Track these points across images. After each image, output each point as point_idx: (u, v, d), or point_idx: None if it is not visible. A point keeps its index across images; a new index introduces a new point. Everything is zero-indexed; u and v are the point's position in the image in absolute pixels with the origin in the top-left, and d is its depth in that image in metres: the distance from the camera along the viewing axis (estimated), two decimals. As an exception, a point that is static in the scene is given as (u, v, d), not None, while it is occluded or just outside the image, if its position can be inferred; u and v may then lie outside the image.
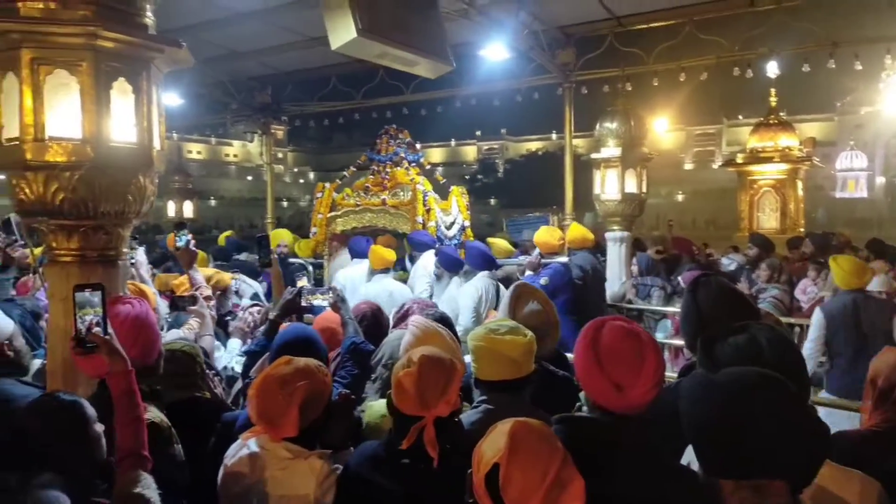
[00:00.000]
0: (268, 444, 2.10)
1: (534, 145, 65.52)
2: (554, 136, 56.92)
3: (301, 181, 70.35)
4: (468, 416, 2.28)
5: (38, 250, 3.96)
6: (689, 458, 1.83)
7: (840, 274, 4.82)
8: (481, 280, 5.30)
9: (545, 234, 6.29)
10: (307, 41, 7.84)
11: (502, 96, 9.09)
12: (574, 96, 8.33)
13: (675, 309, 6.43)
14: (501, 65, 8.10)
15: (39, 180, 2.30)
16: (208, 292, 4.21)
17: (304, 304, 3.48)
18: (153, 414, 2.11)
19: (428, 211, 6.16)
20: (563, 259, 6.20)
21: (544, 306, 3.03)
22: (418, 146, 6.81)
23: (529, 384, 2.36)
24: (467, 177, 63.84)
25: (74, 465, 1.76)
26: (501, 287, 5.28)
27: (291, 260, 7.34)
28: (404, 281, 5.91)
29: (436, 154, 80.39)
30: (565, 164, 8.51)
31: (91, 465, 1.83)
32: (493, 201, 57.28)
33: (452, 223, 6.51)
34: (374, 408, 2.66)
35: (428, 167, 6.94)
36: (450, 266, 5.58)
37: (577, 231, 6.54)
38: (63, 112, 2.30)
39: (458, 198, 6.67)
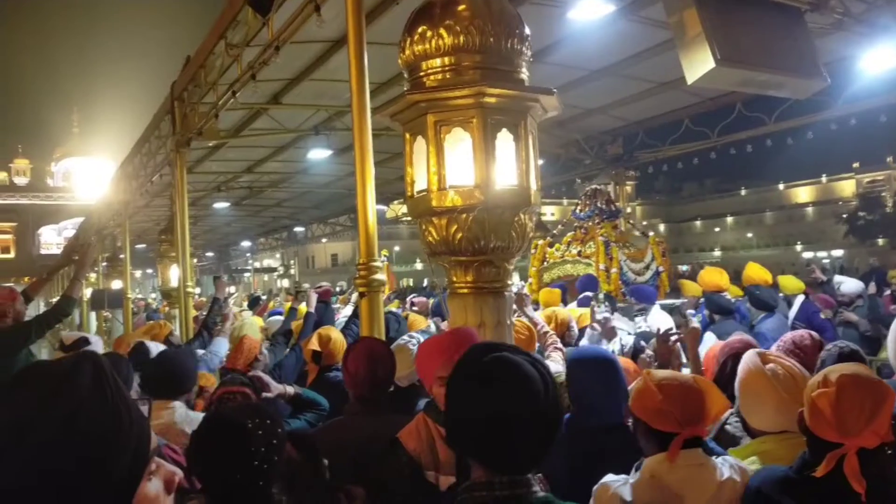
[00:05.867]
0: None
1: (932, 172, 55.02)
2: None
3: (651, 234, 69.48)
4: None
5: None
6: None
7: None
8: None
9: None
10: (658, 87, 7.83)
11: (889, 111, 7.83)
12: None
13: None
14: (887, 76, 7.04)
15: (442, 223, 2.68)
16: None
17: None
18: None
19: (611, 259, 7.56)
20: None
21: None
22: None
23: None
24: (845, 215, 56.51)
25: None
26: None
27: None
28: None
29: (802, 193, 72.37)
30: None
31: None
32: (880, 241, 49.46)
33: (646, 268, 7.90)
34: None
35: (631, 222, 8.67)
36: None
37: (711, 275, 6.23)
38: (457, 162, 2.66)
39: (654, 246, 8.22)
